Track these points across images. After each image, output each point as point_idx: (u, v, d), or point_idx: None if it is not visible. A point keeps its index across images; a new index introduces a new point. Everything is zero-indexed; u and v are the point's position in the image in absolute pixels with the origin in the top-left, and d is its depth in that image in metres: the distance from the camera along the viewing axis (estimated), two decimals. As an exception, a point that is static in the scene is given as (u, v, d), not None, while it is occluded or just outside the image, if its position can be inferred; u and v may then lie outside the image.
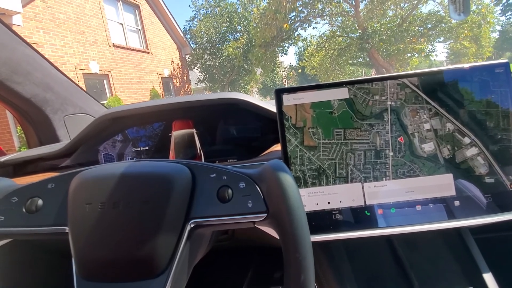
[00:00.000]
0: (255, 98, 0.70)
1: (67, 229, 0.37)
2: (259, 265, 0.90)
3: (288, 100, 0.55)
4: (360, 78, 0.55)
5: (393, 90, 0.54)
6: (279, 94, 0.55)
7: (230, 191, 0.37)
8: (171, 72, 11.48)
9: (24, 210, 0.39)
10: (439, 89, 0.53)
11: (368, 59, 12.86)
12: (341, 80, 0.55)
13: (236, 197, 0.37)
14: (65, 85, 0.94)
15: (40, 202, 0.39)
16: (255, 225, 0.38)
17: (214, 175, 0.39)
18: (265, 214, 0.36)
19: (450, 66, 0.54)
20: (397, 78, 0.54)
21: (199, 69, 15.91)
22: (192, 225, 0.37)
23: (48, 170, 0.75)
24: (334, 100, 0.55)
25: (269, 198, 0.36)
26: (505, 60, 0.53)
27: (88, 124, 0.71)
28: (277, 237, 0.55)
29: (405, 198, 0.53)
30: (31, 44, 0.85)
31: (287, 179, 0.35)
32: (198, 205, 0.37)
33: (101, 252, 0.35)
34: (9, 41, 0.78)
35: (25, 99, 0.82)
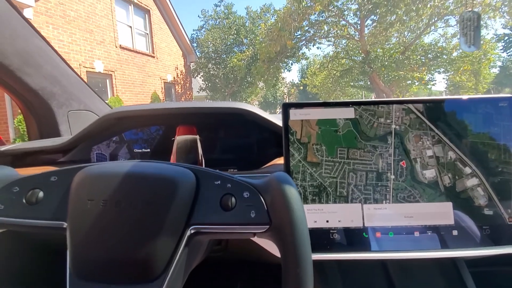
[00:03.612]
0: (261, 110, 0.71)
1: (65, 224, 0.37)
2: (248, 279, 0.89)
3: (295, 115, 0.56)
4: (367, 100, 0.56)
5: (398, 114, 0.55)
6: (286, 108, 0.56)
7: (233, 199, 0.37)
8: (174, 78, 11.57)
9: (24, 201, 0.38)
10: (443, 117, 0.54)
11: (369, 82, 13.09)
12: (348, 100, 0.56)
13: (239, 206, 0.37)
14: (73, 80, 0.94)
15: (41, 194, 0.38)
16: (256, 236, 0.38)
17: (219, 182, 0.38)
18: (268, 226, 0.35)
19: (455, 96, 0.55)
20: (403, 103, 0.55)
21: (202, 78, 16.05)
22: (192, 231, 0.37)
23: (46, 164, 0.74)
24: (340, 119, 0.55)
25: (272, 210, 0.36)
26: (510, 95, 0.55)
27: (93, 122, 0.70)
28: (272, 251, 0.55)
29: (404, 223, 0.52)
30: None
31: (292, 192, 0.35)
32: (200, 211, 0.37)
33: (99, 251, 0.34)
34: (24, 32, 0.78)
35: (32, 91, 0.82)
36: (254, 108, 0.70)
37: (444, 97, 0.55)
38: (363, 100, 0.56)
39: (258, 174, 0.62)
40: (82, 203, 0.35)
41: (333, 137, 0.55)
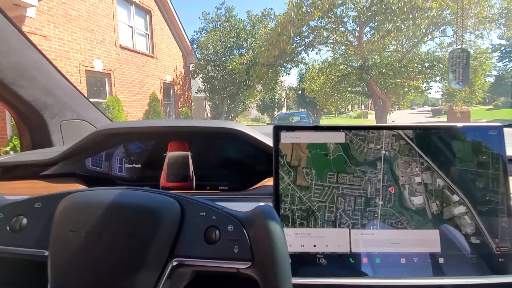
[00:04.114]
0: (253, 130, 0.71)
1: (47, 252, 0.36)
2: None
3: (286, 137, 0.56)
4: (357, 125, 0.57)
5: (388, 140, 0.55)
6: (277, 131, 0.56)
7: (217, 232, 0.37)
8: (173, 78, 11.57)
9: (8, 228, 0.38)
10: (432, 144, 0.55)
11: (366, 89, 13.15)
12: (339, 125, 0.56)
13: (223, 240, 0.36)
14: (67, 90, 0.94)
15: (24, 221, 0.38)
16: (239, 271, 0.38)
17: (204, 213, 0.38)
18: (250, 263, 0.35)
19: (444, 124, 0.56)
20: (393, 129, 0.56)
21: (201, 79, 16.06)
22: (175, 263, 0.37)
23: (36, 176, 0.74)
24: (330, 143, 0.56)
25: (255, 246, 0.36)
26: (499, 124, 0.55)
27: (85, 136, 0.70)
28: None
29: (391, 250, 0.53)
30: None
31: (276, 228, 0.35)
32: (183, 243, 0.37)
33: (79, 283, 0.34)
34: (20, 45, 0.78)
35: (26, 102, 0.82)
36: (246, 128, 0.70)
37: (433, 124, 0.56)
38: (354, 125, 0.56)
39: (246, 196, 0.62)
40: (64, 234, 0.35)
41: (323, 161, 0.55)
